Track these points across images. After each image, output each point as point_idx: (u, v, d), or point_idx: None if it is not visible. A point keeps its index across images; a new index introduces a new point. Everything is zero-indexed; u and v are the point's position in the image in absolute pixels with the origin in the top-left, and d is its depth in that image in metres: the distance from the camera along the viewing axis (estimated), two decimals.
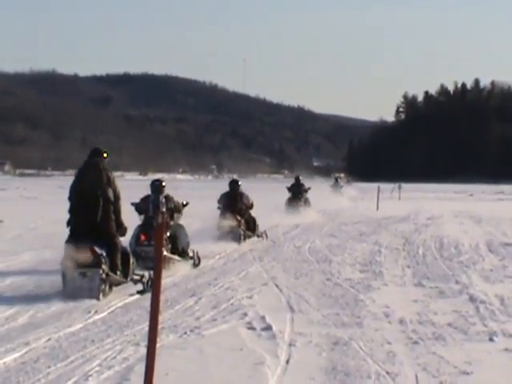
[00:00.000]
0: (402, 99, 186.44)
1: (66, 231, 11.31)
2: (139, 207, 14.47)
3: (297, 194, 31.84)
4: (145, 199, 14.59)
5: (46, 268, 13.39)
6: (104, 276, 10.65)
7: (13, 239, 18.82)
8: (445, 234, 21.83)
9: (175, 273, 13.08)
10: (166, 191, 14.70)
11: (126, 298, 10.63)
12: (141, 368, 6.25)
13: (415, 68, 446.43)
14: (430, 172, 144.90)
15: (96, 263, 10.61)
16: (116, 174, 12.62)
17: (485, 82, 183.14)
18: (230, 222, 19.21)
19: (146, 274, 11.28)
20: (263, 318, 9.33)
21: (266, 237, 19.98)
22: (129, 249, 12.08)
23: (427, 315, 9.71)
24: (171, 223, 14.27)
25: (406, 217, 30.22)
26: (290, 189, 32.41)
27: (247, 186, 21.68)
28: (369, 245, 18.66)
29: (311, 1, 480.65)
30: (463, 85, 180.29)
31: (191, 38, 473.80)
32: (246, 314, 9.56)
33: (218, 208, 20.08)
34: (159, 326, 5.87)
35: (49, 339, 8.08)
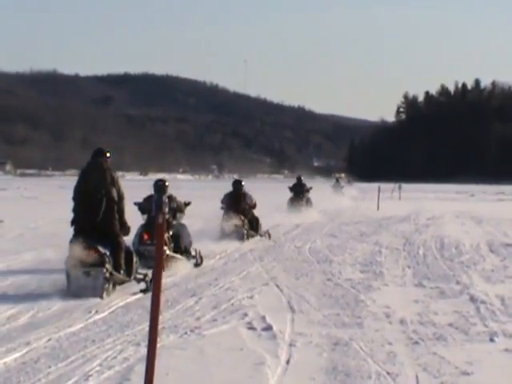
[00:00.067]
0: (403, 99, 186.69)
1: (69, 231, 11.33)
2: (142, 207, 14.56)
3: (299, 193, 32.17)
4: (148, 199, 14.68)
5: (46, 268, 13.40)
6: (108, 275, 10.75)
7: (14, 239, 18.82)
8: (445, 234, 21.82)
9: (175, 273, 13.08)
10: (169, 191, 14.79)
11: (126, 298, 10.63)
12: (141, 368, 6.25)
13: (416, 68, 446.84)
14: (431, 172, 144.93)
15: (100, 262, 10.71)
16: None
17: (485, 82, 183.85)
18: (233, 222, 19.43)
19: (149, 272, 11.30)
20: (264, 318, 9.33)
21: (269, 236, 20.13)
22: (132, 248, 12.17)
23: (428, 315, 9.70)
24: (174, 223, 14.41)
25: (407, 217, 30.21)
26: (291, 189, 32.70)
27: (248, 186, 21.72)
28: (369, 245, 18.65)
29: (311, 1, 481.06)
30: (464, 85, 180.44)
31: (192, 38, 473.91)
32: (246, 314, 9.56)
33: (222, 208, 20.25)
34: (160, 326, 5.88)
35: (49, 339, 8.08)
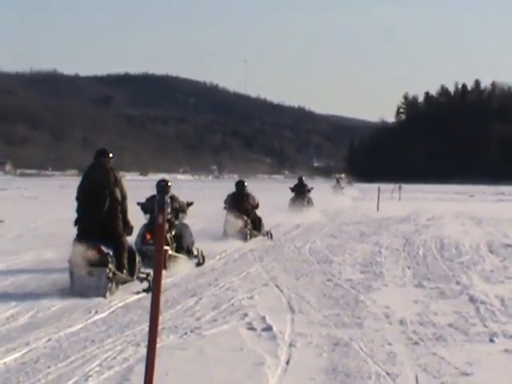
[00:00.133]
0: (403, 100, 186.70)
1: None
2: (145, 207, 14.68)
3: (300, 193, 32.70)
4: (151, 199, 14.78)
5: (46, 268, 13.42)
6: (111, 275, 10.87)
7: (13, 239, 18.83)
8: (445, 234, 21.83)
9: (176, 273, 13.09)
10: (171, 191, 14.91)
11: (126, 298, 10.63)
12: (141, 368, 6.25)
13: (416, 69, 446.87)
14: (431, 173, 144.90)
15: (103, 262, 10.82)
16: None
17: (485, 83, 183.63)
18: (236, 222, 19.75)
19: (152, 272, 11.33)
20: (264, 318, 9.33)
21: (271, 236, 20.33)
22: (135, 248, 12.28)
23: (428, 316, 9.71)
24: (176, 223, 14.59)
25: (407, 217, 30.21)
26: (293, 189, 33.18)
27: (249, 187, 21.79)
28: (369, 245, 18.66)
29: (312, 1, 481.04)
30: (464, 85, 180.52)
31: (192, 38, 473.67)
32: (246, 315, 9.56)
33: (225, 208, 20.52)
34: (159, 327, 5.88)
35: (49, 339, 8.09)
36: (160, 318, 5.82)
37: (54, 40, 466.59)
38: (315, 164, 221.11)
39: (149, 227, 13.96)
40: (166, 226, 13.94)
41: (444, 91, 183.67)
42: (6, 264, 13.93)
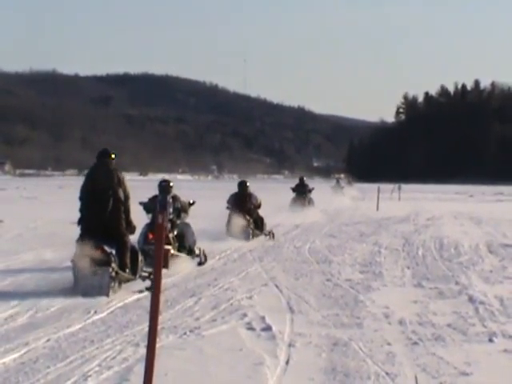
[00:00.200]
0: (403, 100, 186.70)
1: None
2: (147, 206, 14.81)
3: (301, 194, 33.39)
4: (153, 199, 14.95)
5: (46, 268, 13.43)
6: (113, 274, 11.00)
7: (13, 239, 18.82)
8: (444, 234, 21.83)
9: (175, 273, 13.10)
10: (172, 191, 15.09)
11: (125, 298, 10.64)
12: (140, 368, 6.26)
13: (415, 69, 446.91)
14: (430, 173, 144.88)
15: (106, 262, 10.97)
16: None
17: (485, 83, 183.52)
18: (239, 222, 20.00)
19: None
20: (263, 318, 9.33)
21: (273, 236, 20.50)
22: (137, 247, 12.43)
23: (427, 316, 9.71)
24: (178, 222, 14.77)
25: (406, 217, 30.22)
26: (294, 189, 33.78)
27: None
28: (369, 245, 18.66)
29: (312, 1, 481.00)
30: (463, 86, 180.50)
31: (192, 38, 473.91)
32: (245, 315, 9.56)
33: (227, 208, 20.77)
34: (159, 327, 5.88)
35: (48, 339, 8.09)
36: (159, 318, 5.82)
37: (53, 40, 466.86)
38: (315, 164, 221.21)
39: (151, 227, 14.06)
40: (168, 225, 14.17)
41: (444, 91, 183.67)
42: (5, 264, 13.93)
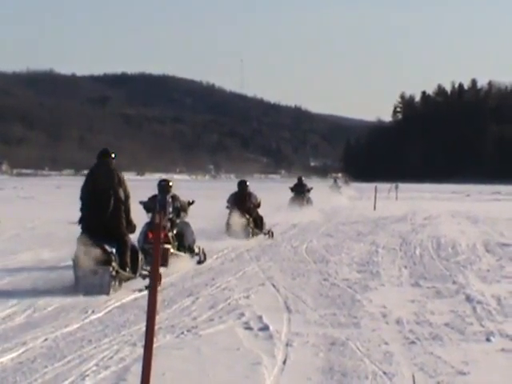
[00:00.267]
0: (400, 99, 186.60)
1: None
2: (147, 206, 14.94)
3: (299, 193, 33.87)
4: (153, 198, 15.13)
5: (43, 267, 13.43)
6: (114, 273, 11.13)
7: (10, 239, 18.82)
8: (442, 234, 21.84)
9: (172, 272, 13.10)
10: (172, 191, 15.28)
11: (123, 298, 10.64)
12: (138, 368, 6.26)
13: (412, 68, 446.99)
14: (427, 172, 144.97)
15: (106, 261, 11.11)
16: None
17: (482, 83, 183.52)
18: (239, 221, 20.27)
19: None
20: (260, 318, 9.33)
21: (272, 234, 20.73)
22: (137, 246, 12.53)
23: (424, 315, 9.71)
24: (177, 221, 14.90)
25: (403, 217, 30.23)
26: (292, 189, 34.27)
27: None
28: (366, 245, 18.67)
29: (309, 1, 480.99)
30: (460, 85, 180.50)
31: (188, 38, 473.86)
32: (243, 314, 9.56)
33: (227, 207, 21.03)
34: (156, 326, 5.88)
35: (46, 339, 8.09)
36: (157, 317, 5.82)
37: (50, 40, 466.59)
38: (312, 164, 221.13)
39: (151, 226, 14.13)
40: (168, 224, 14.28)
41: (441, 91, 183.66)
42: (3, 264, 13.93)
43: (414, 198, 51.63)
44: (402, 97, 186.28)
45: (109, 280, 10.97)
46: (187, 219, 15.29)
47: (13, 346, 7.77)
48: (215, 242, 18.04)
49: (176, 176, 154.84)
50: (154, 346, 5.72)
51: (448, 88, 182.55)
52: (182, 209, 15.11)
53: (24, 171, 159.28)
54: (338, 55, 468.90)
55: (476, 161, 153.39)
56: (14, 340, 7.99)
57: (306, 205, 32.90)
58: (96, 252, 11.06)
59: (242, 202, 20.89)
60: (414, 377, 6.93)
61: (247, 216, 20.53)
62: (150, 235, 13.88)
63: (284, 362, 7.39)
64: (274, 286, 11.99)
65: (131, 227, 11.83)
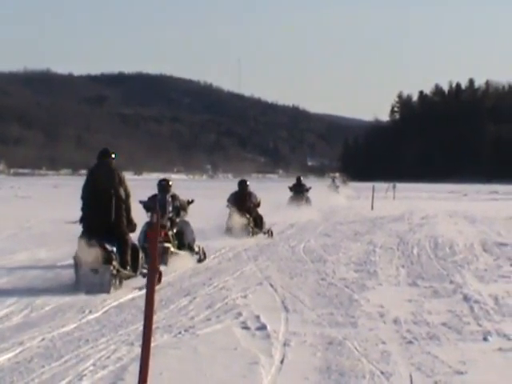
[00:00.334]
0: (397, 99, 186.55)
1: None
2: (147, 205, 15.00)
3: (298, 193, 34.25)
4: (153, 198, 15.24)
5: (40, 267, 13.41)
6: (115, 272, 11.24)
7: (7, 238, 18.81)
8: (439, 233, 21.84)
9: (170, 272, 13.09)
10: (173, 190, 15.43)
11: (120, 298, 10.63)
12: (135, 368, 6.25)
13: (410, 68, 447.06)
14: (425, 172, 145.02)
15: (107, 260, 11.21)
16: None
17: (479, 82, 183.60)
18: (239, 220, 20.45)
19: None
20: (258, 317, 9.33)
21: (272, 234, 20.83)
22: (138, 244, 12.58)
23: (421, 315, 9.71)
24: (177, 220, 15.05)
25: (401, 216, 30.24)
26: (291, 188, 34.68)
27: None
28: (363, 244, 18.67)
29: (306, 1, 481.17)
30: (458, 85, 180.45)
31: (186, 38, 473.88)
32: (240, 314, 9.56)
33: (227, 206, 21.20)
34: (153, 326, 5.87)
35: (43, 339, 8.08)
36: (154, 317, 5.81)
37: (47, 39, 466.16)
38: (309, 163, 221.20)
39: (151, 225, 14.22)
40: (168, 223, 14.38)
41: (438, 90, 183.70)
42: (0, 263, 13.92)
43: (411, 198, 51.66)
44: (400, 96, 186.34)
45: (109, 279, 11.06)
46: (187, 218, 15.36)
47: (10, 345, 7.76)
48: (213, 242, 18.03)
49: (173, 176, 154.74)
50: (152, 345, 5.72)
51: (445, 88, 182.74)
52: (181, 208, 15.23)
53: (21, 171, 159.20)
54: (336, 55, 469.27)
55: (473, 160, 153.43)
56: (11, 340, 7.99)
57: (305, 204, 33.16)
58: (97, 251, 11.15)
59: (243, 201, 21.05)
60: (411, 376, 6.93)
61: (247, 215, 20.70)
62: None
63: (281, 362, 7.39)
64: (271, 285, 11.99)
65: (132, 226, 11.95)
